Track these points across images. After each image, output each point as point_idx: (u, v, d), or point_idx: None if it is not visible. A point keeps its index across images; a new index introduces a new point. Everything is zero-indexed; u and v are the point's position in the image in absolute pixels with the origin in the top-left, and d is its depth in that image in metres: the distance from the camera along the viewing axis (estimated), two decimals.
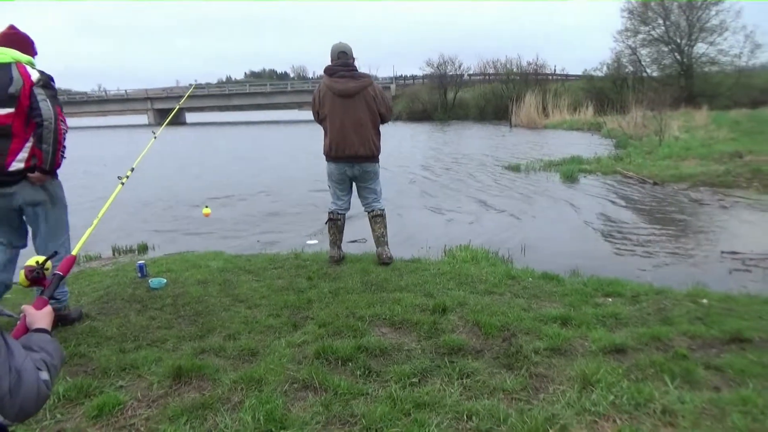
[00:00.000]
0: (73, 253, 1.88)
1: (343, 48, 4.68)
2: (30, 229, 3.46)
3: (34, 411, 1.25)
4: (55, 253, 1.83)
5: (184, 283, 4.34)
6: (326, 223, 4.97)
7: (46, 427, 2.30)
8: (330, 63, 4.71)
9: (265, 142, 28.60)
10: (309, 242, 6.38)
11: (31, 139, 3.20)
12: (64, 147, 3.32)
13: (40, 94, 3.19)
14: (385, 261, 4.73)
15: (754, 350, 2.81)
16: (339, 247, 4.96)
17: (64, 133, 3.29)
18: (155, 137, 4.31)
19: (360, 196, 4.93)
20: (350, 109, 4.56)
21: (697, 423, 2.16)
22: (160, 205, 9.26)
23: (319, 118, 4.76)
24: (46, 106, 3.18)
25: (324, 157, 4.80)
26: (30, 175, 3.23)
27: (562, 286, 4.06)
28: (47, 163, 3.23)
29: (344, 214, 4.93)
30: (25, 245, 3.50)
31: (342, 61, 4.65)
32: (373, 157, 4.74)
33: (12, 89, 3.11)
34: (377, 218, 4.87)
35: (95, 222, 2.28)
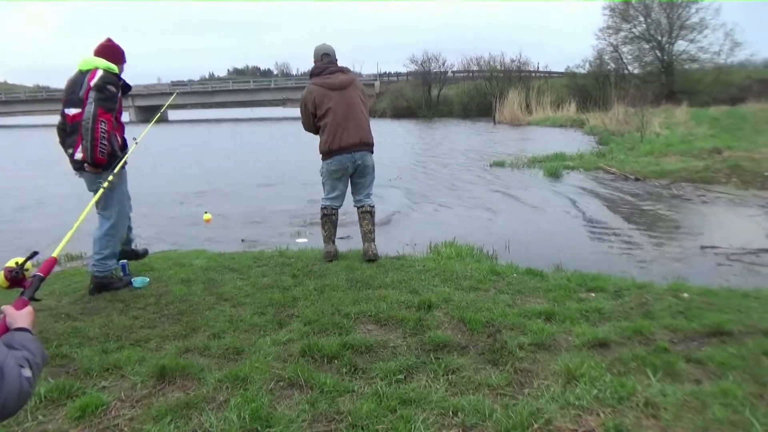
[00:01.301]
0: (54, 255, 1.87)
1: (326, 50, 4.79)
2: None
3: (16, 409, 1.23)
4: (35, 253, 1.81)
5: (167, 281, 4.30)
6: (321, 219, 4.94)
7: (28, 429, 2.26)
8: (314, 65, 4.77)
9: (250, 138, 28.41)
10: (298, 240, 6.34)
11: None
12: (103, 144, 3.81)
13: (90, 96, 3.77)
14: (370, 257, 4.73)
15: (734, 343, 2.85)
16: (334, 243, 4.95)
17: (102, 132, 3.78)
18: (136, 143, 4.28)
19: (353, 191, 4.94)
20: (347, 100, 4.63)
21: (679, 415, 2.19)
22: (143, 203, 9.15)
23: (316, 120, 4.71)
24: (89, 109, 3.76)
25: (321, 155, 4.76)
26: (87, 166, 3.88)
27: (546, 282, 4.10)
28: (89, 156, 3.80)
29: (338, 209, 4.93)
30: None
31: (327, 60, 4.75)
32: (372, 146, 4.80)
33: (80, 93, 3.80)
34: (366, 214, 4.87)
35: (76, 225, 2.25)
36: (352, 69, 4.98)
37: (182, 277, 4.38)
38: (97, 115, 3.76)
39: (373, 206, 4.94)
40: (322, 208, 4.92)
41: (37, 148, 23.62)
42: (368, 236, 4.86)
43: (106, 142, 3.82)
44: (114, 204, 4.05)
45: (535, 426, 2.15)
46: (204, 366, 2.76)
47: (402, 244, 5.82)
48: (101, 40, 4.12)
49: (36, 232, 7.26)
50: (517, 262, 4.82)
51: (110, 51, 4.05)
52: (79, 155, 3.84)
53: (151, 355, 2.91)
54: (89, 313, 3.64)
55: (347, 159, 4.67)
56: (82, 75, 3.87)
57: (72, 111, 3.87)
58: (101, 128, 3.78)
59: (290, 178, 11.81)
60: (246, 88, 59.97)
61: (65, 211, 8.19)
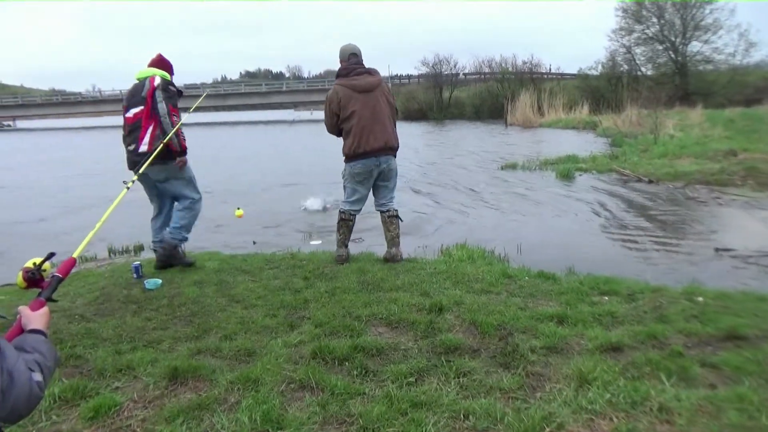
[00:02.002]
0: (74, 255, 1.88)
1: (353, 50, 4.74)
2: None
3: (26, 412, 1.24)
4: (52, 254, 1.83)
5: (179, 283, 4.33)
6: (338, 222, 4.91)
7: (42, 428, 2.28)
8: (340, 66, 4.73)
9: (264, 140, 28.54)
10: (311, 243, 6.35)
11: (151, 130, 4.34)
12: (180, 132, 4.45)
13: (159, 96, 4.38)
14: (398, 261, 4.76)
15: (749, 347, 2.81)
16: (347, 247, 4.93)
17: (178, 123, 4.43)
18: (162, 144, 4.32)
19: (376, 195, 4.90)
20: (372, 103, 4.58)
21: (694, 420, 2.16)
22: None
23: (339, 122, 4.66)
24: (162, 106, 4.38)
25: (344, 158, 4.72)
26: (179, 159, 4.51)
27: (559, 285, 4.07)
28: (177, 146, 4.43)
29: (356, 215, 4.90)
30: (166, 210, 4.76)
31: (354, 60, 4.69)
32: (396, 150, 4.78)
33: (143, 93, 4.40)
34: (393, 219, 4.85)
35: (97, 225, 2.27)
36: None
37: (195, 279, 4.41)
38: (170, 110, 4.39)
39: (397, 210, 4.92)
40: (340, 212, 4.88)
41: (61, 150, 23.93)
42: (395, 240, 4.84)
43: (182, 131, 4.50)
44: (193, 189, 4.70)
45: (548, 430, 2.13)
46: (216, 367, 2.78)
47: (413, 247, 5.81)
48: (153, 54, 4.77)
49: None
50: (529, 265, 4.80)
51: (162, 63, 4.67)
52: (144, 148, 4.33)
53: (163, 357, 2.93)
54: (103, 315, 3.67)
55: (372, 163, 4.63)
56: (138, 85, 4.48)
57: (133, 111, 4.42)
58: (176, 120, 4.44)
59: (305, 179, 11.85)
60: (258, 91, 60.31)
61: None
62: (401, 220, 4.97)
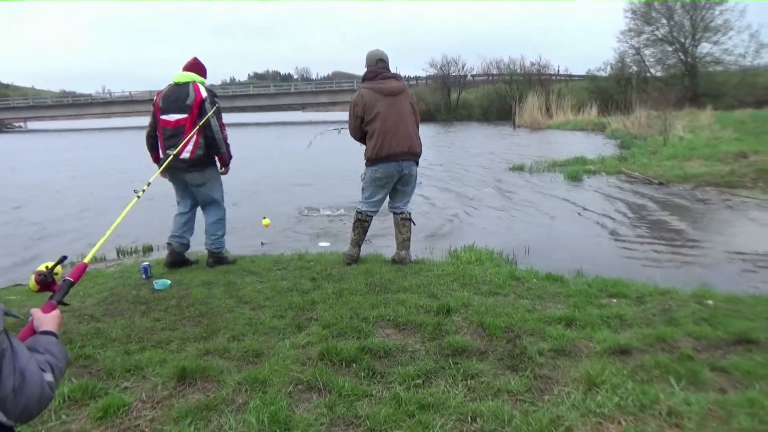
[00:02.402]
0: (86, 261, 1.90)
1: (381, 55, 4.76)
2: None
3: (37, 412, 1.25)
4: (64, 257, 1.85)
5: (188, 284, 4.34)
6: (354, 222, 4.90)
7: (52, 428, 2.30)
8: (367, 70, 4.73)
9: (274, 142, 28.61)
10: (320, 244, 6.36)
11: (194, 139, 4.48)
12: (228, 144, 4.78)
13: (209, 109, 4.53)
14: (406, 263, 4.76)
15: (760, 351, 2.79)
16: (359, 248, 4.94)
17: (227, 138, 4.75)
18: (172, 156, 4.34)
19: (392, 198, 4.89)
20: (397, 107, 4.59)
21: (703, 425, 2.15)
22: (166, 204, 9.27)
23: (364, 124, 4.63)
24: (214, 122, 4.58)
25: (366, 161, 4.69)
26: (223, 169, 4.89)
27: (567, 287, 4.05)
28: (226, 159, 4.82)
29: (373, 217, 4.90)
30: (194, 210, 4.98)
31: (381, 65, 4.71)
32: (419, 156, 4.76)
33: (188, 101, 4.52)
34: (406, 222, 4.85)
35: (108, 233, 2.29)
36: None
37: (203, 280, 4.42)
38: (220, 125, 4.65)
39: (411, 213, 4.93)
40: (357, 212, 4.86)
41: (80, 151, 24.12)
42: (405, 243, 4.85)
43: (229, 143, 4.80)
44: (221, 195, 4.94)
45: None
46: (224, 368, 2.79)
47: (420, 248, 5.81)
48: (189, 58, 4.88)
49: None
50: (537, 267, 4.78)
51: (198, 67, 4.78)
52: (186, 155, 4.49)
53: (172, 357, 2.94)
54: (112, 315, 3.69)
55: (394, 167, 4.60)
56: (179, 87, 4.59)
57: (176, 116, 4.55)
58: (226, 135, 4.73)
59: (317, 180, 11.88)
60: (266, 92, 60.47)
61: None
62: (414, 224, 4.96)
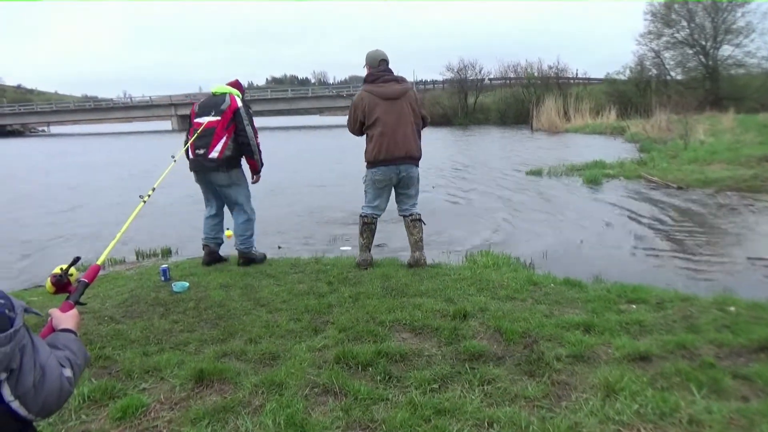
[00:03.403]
0: (98, 262, 1.94)
1: (382, 56, 4.78)
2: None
3: (56, 407, 1.28)
4: (78, 259, 1.88)
5: (206, 286, 4.38)
6: (360, 226, 4.91)
7: (72, 427, 2.33)
8: (368, 71, 4.77)
9: (292, 146, 28.79)
10: (342, 248, 6.37)
11: (224, 140, 4.74)
12: (260, 151, 4.99)
13: (244, 117, 4.82)
14: (421, 265, 4.79)
15: None
16: (370, 251, 4.94)
17: (260, 145, 4.97)
18: (174, 161, 4.39)
19: (398, 201, 4.92)
20: (396, 111, 4.61)
21: None
22: (185, 207, 9.38)
23: (364, 127, 4.70)
24: (249, 130, 4.84)
25: (366, 163, 4.76)
26: (255, 177, 5.14)
27: (585, 293, 4.01)
28: (259, 165, 5.05)
29: (378, 218, 4.93)
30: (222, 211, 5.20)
31: (383, 67, 4.74)
32: (418, 159, 4.78)
33: (223, 107, 4.80)
34: (416, 223, 4.86)
35: (117, 236, 2.33)
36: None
37: (221, 282, 4.46)
38: (254, 133, 4.90)
39: (420, 214, 4.92)
40: (362, 216, 4.89)
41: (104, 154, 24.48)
42: (418, 244, 4.86)
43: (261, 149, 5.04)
44: (248, 197, 5.10)
45: None
46: (241, 370, 2.81)
47: (437, 252, 5.79)
48: (230, 79, 5.27)
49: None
50: (555, 272, 4.74)
51: (237, 86, 5.12)
52: (215, 154, 4.74)
53: (189, 359, 2.97)
54: (131, 317, 3.74)
55: (392, 171, 4.65)
56: (216, 97, 4.91)
57: (207, 119, 4.81)
58: (259, 142, 4.98)
59: (331, 183, 11.92)
60: (284, 96, 60.92)
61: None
62: (424, 224, 4.97)
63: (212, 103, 4.89)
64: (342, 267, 4.90)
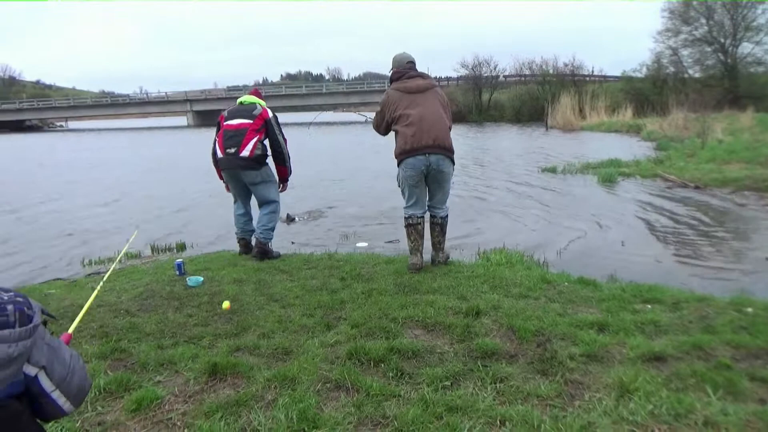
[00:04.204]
0: (69, 332, 1.92)
1: (409, 58, 4.76)
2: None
3: (83, 396, 1.36)
4: (52, 316, 1.88)
5: (220, 281, 4.42)
6: (405, 228, 4.73)
7: (88, 419, 2.37)
8: (393, 71, 4.73)
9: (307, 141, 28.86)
10: (358, 245, 6.38)
11: (254, 141, 5.01)
12: (289, 157, 5.39)
13: (275, 126, 5.19)
14: (439, 263, 4.74)
15: None
16: (421, 254, 4.68)
17: (288, 152, 5.35)
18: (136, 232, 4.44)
19: (429, 196, 4.73)
20: (424, 102, 4.49)
21: None
22: (200, 203, 9.46)
23: (392, 124, 4.58)
24: (281, 139, 5.23)
25: (396, 161, 4.58)
26: (282, 186, 5.50)
27: (599, 292, 3.98)
28: (288, 173, 5.46)
29: (423, 217, 4.68)
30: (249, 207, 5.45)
31: (410, 66, 4.71)
32: (451, 151, 4.54)
33: (255, 112, 5.14)
34: (436, 226, 4.72)
35: (85, 308, 2.34)
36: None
37: (234, 277, 4.49)
38: (284, 142, 5.27)
39: (445, 218, 4.75)
40: (405, 217, 4.70)
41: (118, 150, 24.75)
42: (436, 246, 4.78)
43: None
44: (276, 192, 5.35)
45: None
46: (254, 365, 2.82)
47: (450, 250, 5.77)
48: (251, 90, 5.67)
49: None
50: (569, 271, 4.71)
51: (259, 95, 5.51)
52: (245, 153, 4.99)
53: (203, 353, 2.99)
54: (146, 310, 3.78)
55: (421, 162, 4.41)
56: (245, 105, 5.24)
57: (238, 121, 5.10)
58: (288, 151, 5.33)
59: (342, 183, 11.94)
60: (298, 93, 61.08)
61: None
62: (443, 230, 4.78)
63: (243, 109, 5.20)
64: (355, 263, 4.90)
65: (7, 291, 1.21)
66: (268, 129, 5.16)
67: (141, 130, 50.98)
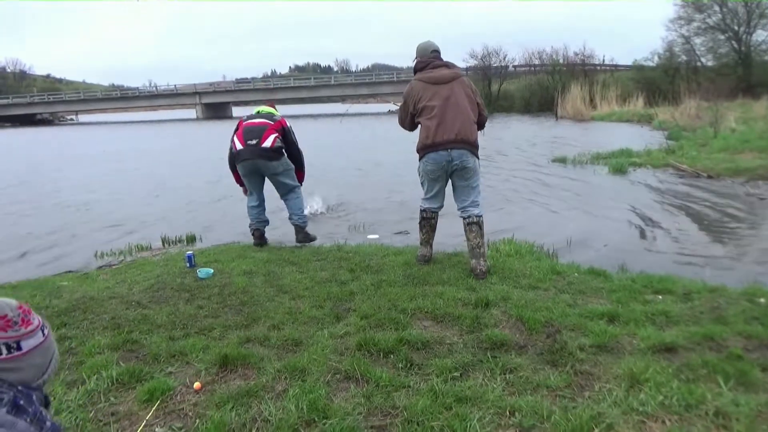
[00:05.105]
0: None
1: (433, 47, 4.52)
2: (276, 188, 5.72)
3: None
4: None
5: (230, 273, 4.44)
6: (419, 221, 4.67)
7: (101, 409, 2.39)
8: (417, 61, 4.53)
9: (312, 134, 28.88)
10: (369, 236, 6.38)
11: (274, 136, 5.32)
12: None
13: (292, 134, 5.55)
14: (479, 275, 4.15)
15: None
16: (431, 246, 4.65)
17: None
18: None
19: (456, 198, 4.46)
20: (447, 94, 4.28)
21: (753, 427, 2.07)
22: (210, 195, 9.51)
23: (416, 116, 4.42)
24: (298, 146, 5.63)
25: (418, 155, 4.44)
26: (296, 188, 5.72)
27: (610, 282, 3.96)
28: (303, 177, 5.83)
29: (438, 212, 4.61)
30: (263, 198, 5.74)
31: (434, 55, 4.49)
32: (474, 145, 4.33)
33: (275, 118, 5.49)
34: (473, 226, 4.32)
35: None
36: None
37: (244, 269, 4.51)
38: (298, 145, 5.65)
39: (481, 216, 4.38)
40: (421, 210, 4.63)
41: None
42: (476, 251, 4.28)
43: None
44: (295, 178, 5.67)
45: (596, 431, 2.08)
46: (264, 356, 2.84)
47: (459, 241, 5.75)
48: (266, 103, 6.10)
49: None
50: (579, 261, 4.69)
51: (274, 107, 5.85)
52: (267, 144, 5.27)
53: (214, 344, 3.02)
54: (158, 302, 3.81)
55: (443, 157, 4.22)
56: (262, 115, 5.58)
57: (260, 120, 5.45)
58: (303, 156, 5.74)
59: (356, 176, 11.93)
60: (307, 84, 61.06)
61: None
62: (481, 229, 4.37)
63: (262, 115, 5.54)
64: (364, 255, 4.91)
65: (49, 416, 1.19)
66: (286, 135, 5.45)
67: (152, 123, 51.22)
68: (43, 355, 1.26)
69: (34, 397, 1.20)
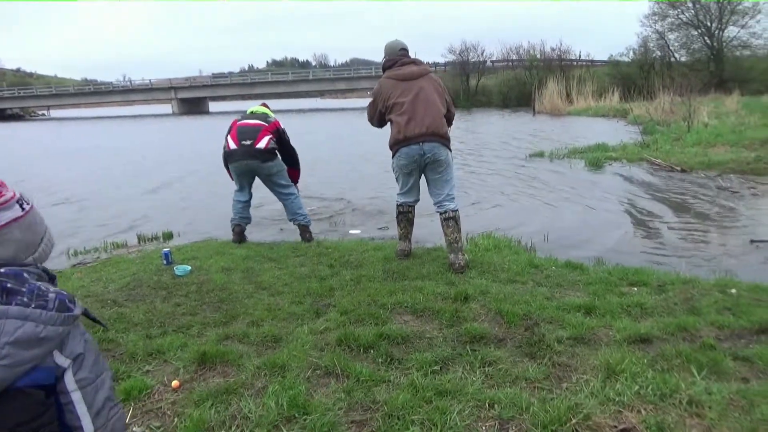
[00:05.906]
0: None
1: (402, 45, 4.56)
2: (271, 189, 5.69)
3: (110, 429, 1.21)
4: (101, 323, 1.84)
5: (208, 270, 4.40)
6: (396, 216, 4.68)
7: None
8: (386, 59, 4.55)
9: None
10: (352, 231, 6.37)
11: (269, 137, 5.31)
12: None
13: (286, 134, 5.56)
14: (457, 270, 4.18)
15: None
16: (410, 241, 4.68)
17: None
18: None
19: (431, 192, 4.46)
20: (415, 90, 4.30)
21: (725, 414, 2.12)
22: (185, 191, 9.39)
23: (386, 114, 4.43)
24: (292, 146, 5.66)
25: (390, 151, 4.43)
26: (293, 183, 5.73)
27: (586, 275, 4.02)
28: (299, 176, 5.91)
29: (414, 206, 4.63)
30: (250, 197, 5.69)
31: (402, 53, 4.53)
32: (445, 138, 4.33)
33: (269, 119, 5.48)
34: (450, 221, 4.33)
35: None
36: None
37: (222, 266, 4.47)
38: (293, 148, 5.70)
39: (457, 211, 4.39)
40: (397, 205, 4.64)
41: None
42: (454, 246, 4.30)
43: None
44: (290, 181, 5.63)
45: (574, 421, 2.11)
46: (243, 353, 2.82)
47: (438, 236, 5.77)
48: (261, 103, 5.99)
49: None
50: (556, 255, 4.74)
51: (267, 106, 5.81)
52: (261, 145, 5.27)
53: (192, 342, 2.99)
54: (134, 300, 3.76)
55: (415, 151, 4.24)
56: (257, 114, 5.57)
57: (254, 121, 5.42)
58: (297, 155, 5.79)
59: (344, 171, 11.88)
60: (285, 79, 60.53)
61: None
62: (457, 223, 4.39)
63: (256, 115, 5.53)
64: (343, 250, 4.90)
65: (54, 287, 1.15)
66: (280, 135, 5.46)
67: (126, 118, 50.34)
68: (24, 230, 1.18)
69: (26, 275, 1.12)
